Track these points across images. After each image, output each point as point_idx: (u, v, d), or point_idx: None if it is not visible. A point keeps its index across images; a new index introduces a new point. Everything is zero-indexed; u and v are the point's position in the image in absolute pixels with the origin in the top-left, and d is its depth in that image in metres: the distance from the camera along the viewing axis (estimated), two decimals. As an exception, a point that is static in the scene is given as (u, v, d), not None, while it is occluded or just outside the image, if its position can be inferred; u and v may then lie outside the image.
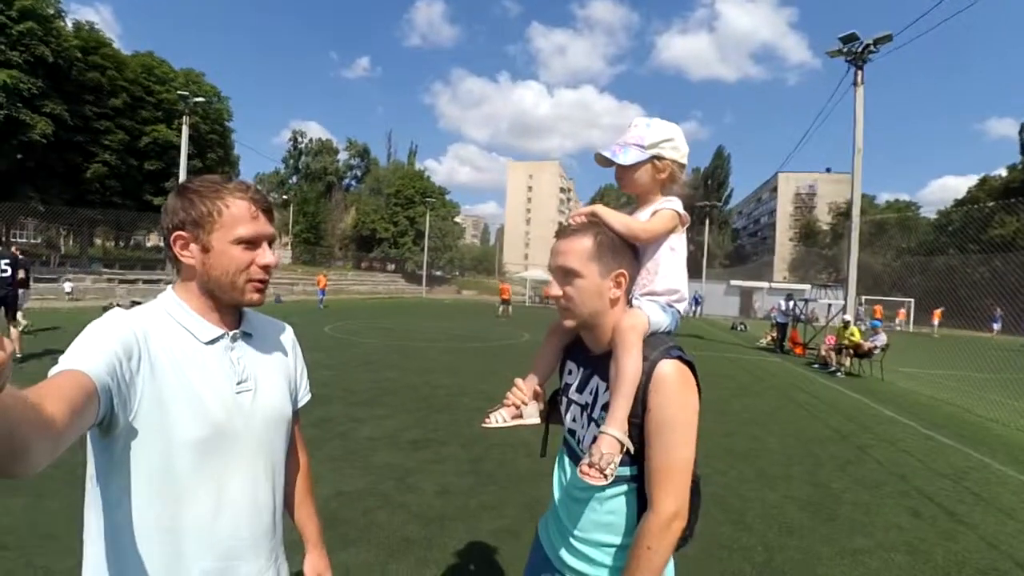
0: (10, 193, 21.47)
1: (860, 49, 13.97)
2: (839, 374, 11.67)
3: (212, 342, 1.05)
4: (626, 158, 1.18)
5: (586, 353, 1.26)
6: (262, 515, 1.10)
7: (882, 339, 11.76)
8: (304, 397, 1.29)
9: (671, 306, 1.21)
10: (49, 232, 26.81)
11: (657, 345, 1.13)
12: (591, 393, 1.21)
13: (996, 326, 24.62)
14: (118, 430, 0.92)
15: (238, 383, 1.06)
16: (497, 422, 1.27)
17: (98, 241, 34.46)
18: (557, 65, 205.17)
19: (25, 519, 3.11)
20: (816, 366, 12.55)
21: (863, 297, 25.73)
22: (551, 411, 1.39)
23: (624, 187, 1.24)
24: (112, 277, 22.53)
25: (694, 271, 52.57)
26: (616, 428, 1.06)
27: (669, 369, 1.09)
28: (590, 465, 1.04)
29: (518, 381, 1.32)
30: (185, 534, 0.99)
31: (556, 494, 1.31)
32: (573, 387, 1.27)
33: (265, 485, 1.11)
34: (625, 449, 1.07)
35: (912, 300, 31.59)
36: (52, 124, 20.59)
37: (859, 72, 14.24)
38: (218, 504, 1.02)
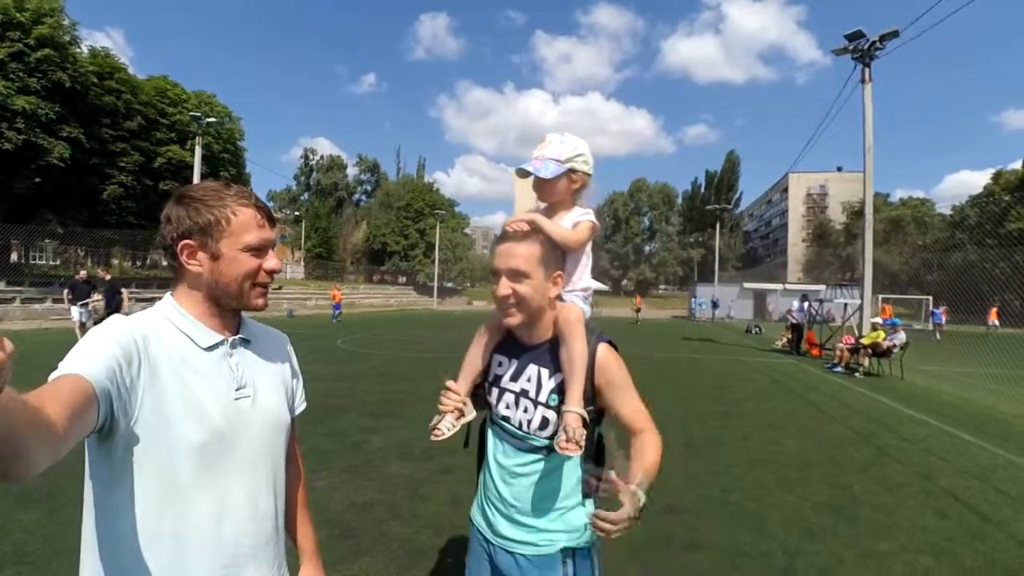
0: (29, 216, 21.94)
1: (867, 46, 13.85)
2: (857, 374, 11.46)
3: (212, 348, 1.06)
4: (546, 172, 1.34)
5: (518, 345, 1.40)
6: (264, 522, 1.09)
7: (901, 337, 11.54)
8: (300, 406, 1.27)
9: (587, 299, 1.42)
10: (67, 254, 27.35)
11: (589, 333, 1.32)
12: (529, 380, 1.36)
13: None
14: (118, 436, 0.91)
15: (237, 389, 1.06)
16: (447, 431, 1.36)
17: (115, 261, 35.07)
18: (563, 73, 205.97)
19: (40, 533, 3.14)
20: (834, 367, 12.34)
21: (879, 296, 25.31)
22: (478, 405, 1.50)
23: (542, 197, 1.41)
24: (129, 296, 22.88)
25: (707, 275, 52.42)
26: (577, 405, 1.25)
27: (605, 351, 1.33)
28: (567, 440, 1.19)
29: (451, 384, 1.40)
30: (188, 542, 0.98)
31: (494, 477, 1.41)
32: (506, 377, 1.40)
33: (266, 492, 1.10)
34: (584, 421, 1.25)
35: (930, 297, 31.05)
36: (69, 148, 21.00)
37: (866, 69, 14.11)
38: (221, 511, 1.01)
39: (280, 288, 34.96)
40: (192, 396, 0.99)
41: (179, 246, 1.03)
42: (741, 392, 9.14)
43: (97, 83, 22.82)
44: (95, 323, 9.03)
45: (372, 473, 4.47)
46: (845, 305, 17.49)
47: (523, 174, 1.38)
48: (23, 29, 19.93)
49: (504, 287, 1.27)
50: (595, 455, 1.39)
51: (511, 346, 1.41)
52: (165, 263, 1.12)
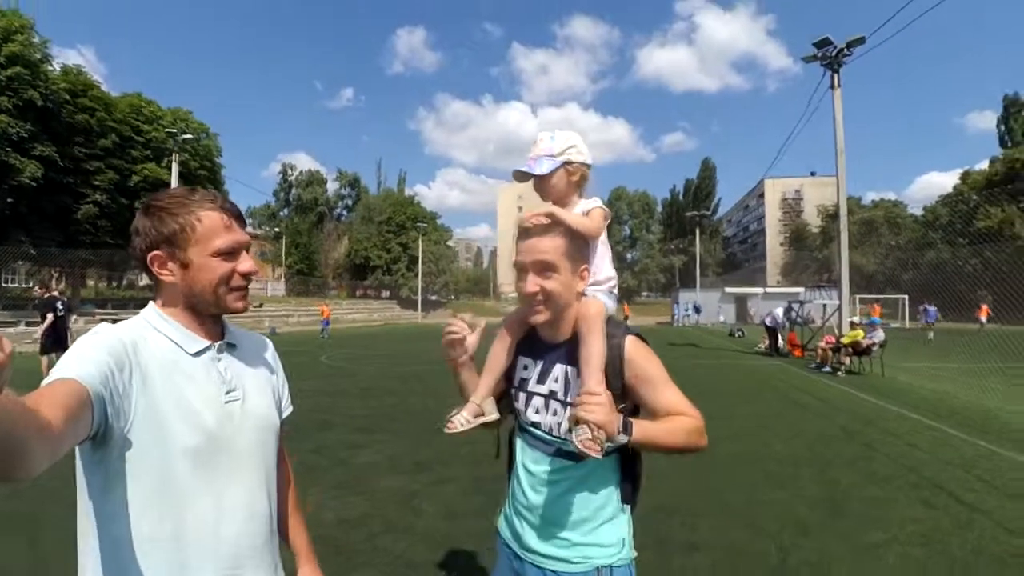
0: (1, 237, 21.39)
1: (835, 53, 14.26)
2: (839, 373, 11.65)
3: (199, 353, 1.06)
4: (541, 169, 1.30)
5: (542, 345, 1.33)
6: (260, 523, 1.10)
7: (880, 335, 11.77)
8: (287, 409, 1.29)
9: (612, 292, 1.35)
10: (41, 275, 26.64)
11: (615, 327, 1.27)
12: (556, 380, 1.29)
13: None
14: (112, 442, 0.92)
15: (227, 392, 1.07)
16: (461, 425, 1.28)
17: (90, 282, 34.26)
18: (540, 85, 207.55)
19: (23, 554, 3.06)
20: (820, 367, 12.52)
21: (857, 297, 25.83)
22: (505, 411, 1.42)
23: (544, 195, 1.34)
24: (104, 317, 22.35)
25: (688, 281, 53.03)
26: None
27: (633, 344, 1.26)
28: (592, 439, 1.07)
29: (457, 317, 1.36)
30: (188, 544, 0.98)
31: (524, 486, 1.34)
32: (532, 380, 1.33)
33: (260, 493, 1.11)
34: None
35: (906, 296, 31.78)
36: (42, 167, 20.49)
37: (835, 75, 14.51)
38: (218, 513, 1.02)
39: (261, 306, 34.45)
40: (184, 400, 0.99)
41: (149, 257, 1.03)
42: (728, 394, 9.21)
43: (70, 101, 22.40)
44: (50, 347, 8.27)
45: (362, 488, 4.40)
46: (824, 306, 17.84)
47: (520, 176, 1.34)
48: (-9, 48, 19.55)
49: (532, 283, 1.21)
50: (629, 463, 1.29)
51: (535, 347, 1.35)
52: (143, 277, 1.10)
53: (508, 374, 1.38)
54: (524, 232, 1.25)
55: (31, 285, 28.66)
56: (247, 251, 1.10)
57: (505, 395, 1.40)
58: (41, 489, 3.11)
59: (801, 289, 28.72)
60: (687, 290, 47.04)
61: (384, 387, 9.87)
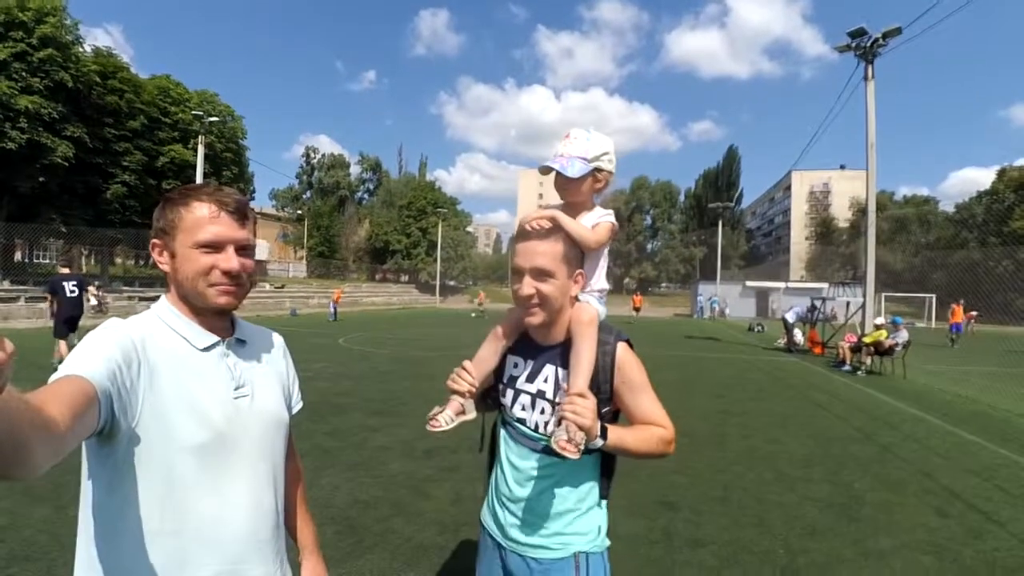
0: (33, 215, 22.00)
1: (869, 43, 13.80)
2: (859, 373, 11.46)
3: (208, 348, 1.06)
4: (573, 171, 1.29)
5: (534, 346, 1.38)
6: (266, 519, 1.10)
7: (903, 336, 11.52)
8: (296, 404, 1.29)
9: (602, 300, 1.40)
10: (70, 253, 27.45)
11: (607, 333, 1.33)
12: (546, 380, 1.34)
13: None
14: (119, 437, 0.93)
15: (235, 389, 1.07)
16: (446, 424, 1.32)
17: (118, 260, 35.16)
18: (564, 69, 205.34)
19: (47, 529, 3.17)
20: (841, 366, 12.31)
21: (883, 295, 25.24)
22: (482, 406, 1.49)
23: (565, 195, 1.36)
24: (132, 295, 22.98)
25: (709, 273, 52.42)
26: None
27: (624, 350, 1.33)
28: (568, 440, 1.12)
29: (467, 364, 1.36)
30: (191, 539, 0.99)
31: (508, 480, 1.39)
32: (521, 378, 1.38)
33: (267, 489, 1.11)
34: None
35: (933, 296, 30.97)
36: (73, 147, 21.00)
37: (869, 67, 14.06)
38: (223, 508, 1.02)
39: (282, 287, 35.03)
40: (191, 396, 1.00)
41: (151, 246, 1.07)
42: (743, 390, 9.14)
43: (100, 83, 22.80)
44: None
45: (375, 471, 4.49)
46: (848, 303, 17.48)
47: (547, 171, 1.34)
48: (25, 29, 19.92)
49: (528, 286, 1.25)
50: (608, 460, 1.37)
51: (527, 347, 1.39)
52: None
53: (497, 370, 1.43)
54: (523, 234, 1.27)
55: (60, 262, 29.48)
56: (243, 249, 1.06)
57: (492, 390, 1.45)
58: (65, 462, 3.18)
59: (825, 285, 28.14)
60: (707, 282, 46.51)
61: (400, 371, 10.00)
